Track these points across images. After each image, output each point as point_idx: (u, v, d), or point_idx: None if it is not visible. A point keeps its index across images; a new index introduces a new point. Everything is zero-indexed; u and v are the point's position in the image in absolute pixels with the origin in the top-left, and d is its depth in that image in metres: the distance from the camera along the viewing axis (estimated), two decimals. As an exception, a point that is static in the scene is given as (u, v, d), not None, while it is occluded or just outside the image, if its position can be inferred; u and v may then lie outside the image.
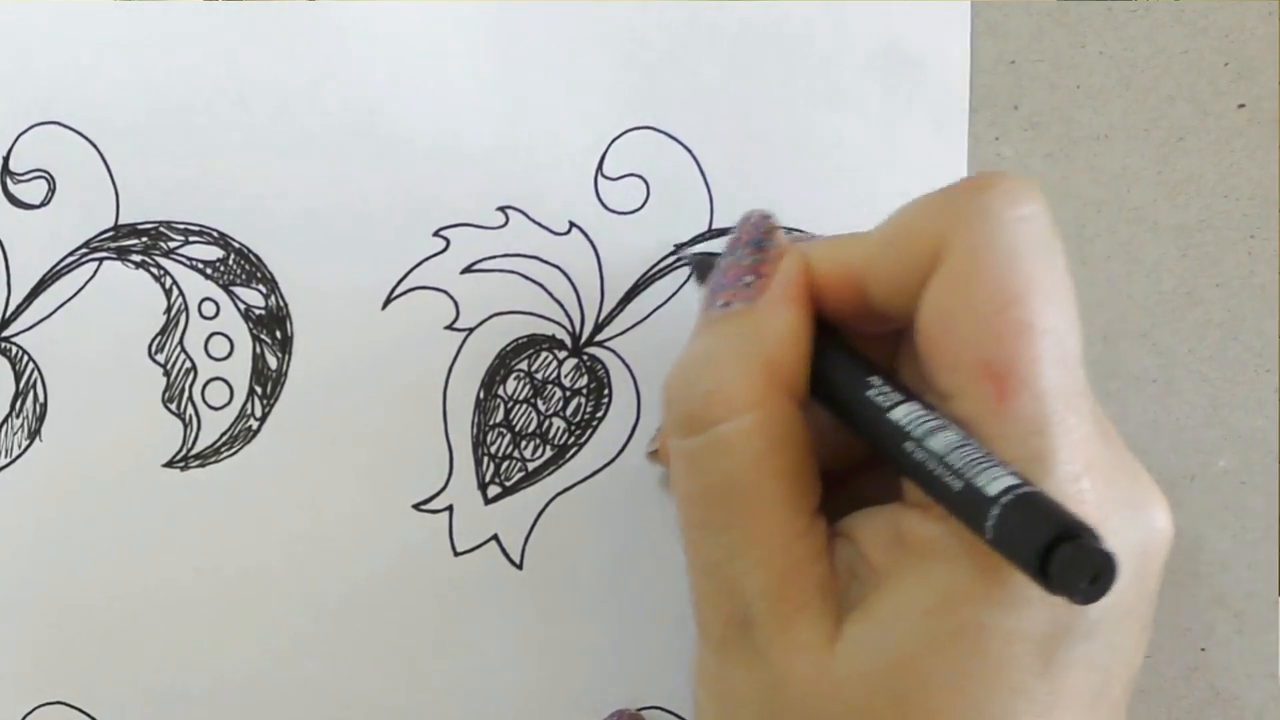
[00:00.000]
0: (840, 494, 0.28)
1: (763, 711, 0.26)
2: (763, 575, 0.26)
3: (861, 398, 0.27)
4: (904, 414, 0.26)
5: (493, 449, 0.35)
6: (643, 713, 0.36)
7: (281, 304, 0.35)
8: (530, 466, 0.35)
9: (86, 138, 0.35)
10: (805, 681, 0.26)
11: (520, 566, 0.35)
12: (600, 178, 0.35)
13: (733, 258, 0.29)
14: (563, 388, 0.35)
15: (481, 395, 0.35)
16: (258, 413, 0.35)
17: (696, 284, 0.34)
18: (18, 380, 0.35)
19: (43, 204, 0.35)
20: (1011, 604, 0.25)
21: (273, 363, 0.35)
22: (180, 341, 0.35)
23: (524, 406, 0.35)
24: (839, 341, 0.28)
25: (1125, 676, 0.27)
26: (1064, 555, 0.22)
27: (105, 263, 0.35)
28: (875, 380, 0.27)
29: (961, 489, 0.24)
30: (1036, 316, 0.25)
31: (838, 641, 0.26)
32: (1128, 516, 0.25)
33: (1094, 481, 0.25)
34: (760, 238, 0.29)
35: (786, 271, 0.28)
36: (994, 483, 0.23)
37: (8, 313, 0.35)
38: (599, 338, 0.35)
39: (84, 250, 0.35)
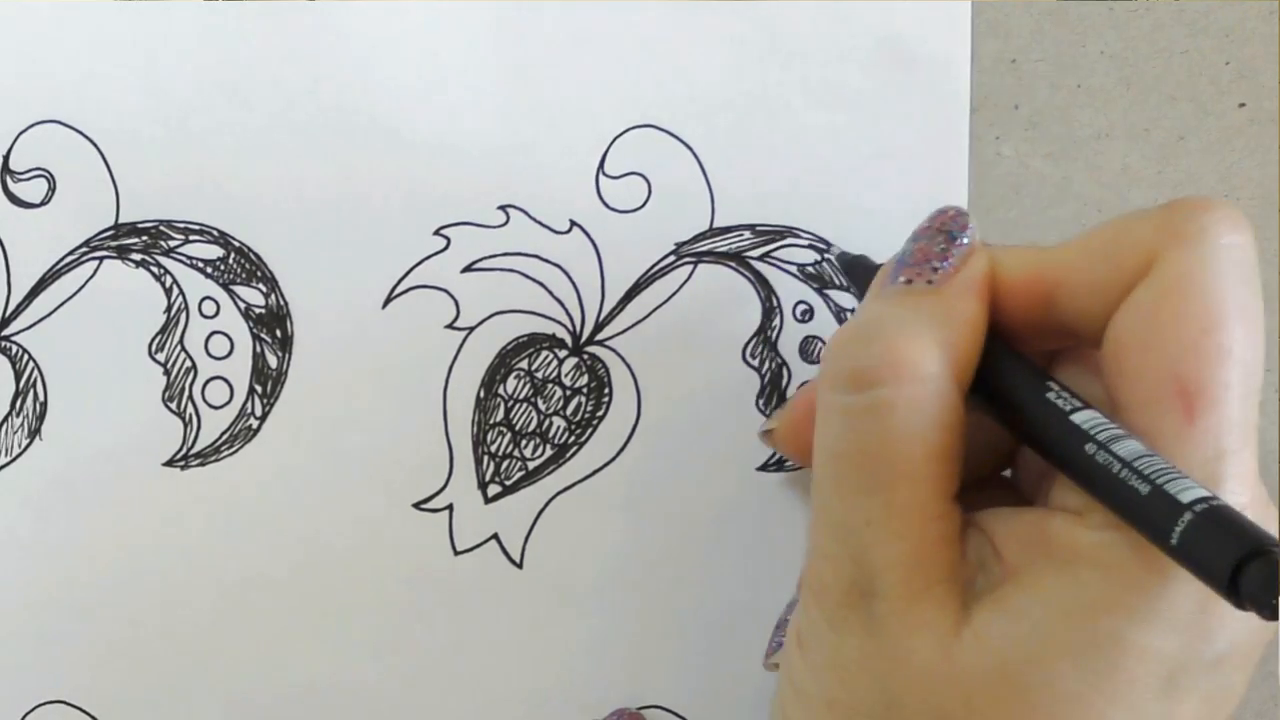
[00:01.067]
0: (964, 498, 0.28)
1: (876, 684, 0.27)
2: (898, 547, 0.26)
3: (1041, 399, 0.27)
4: (1087, 418, 0.26)
5: (493, 448, 0.35)
6: (643, 712, 0.35)
7: (282, 303, 0.35)
8: (530, 466, 0.35)
9: (87, 137, 0.35)
10: (927, 661, 0.26)
11: (520, 566, 0.35)
12: (601, 176, 0.35)
13: (923, 242, 0.29)
14: (563, 387, 0.35)
15: (482, 394, 0.35)
16: (258, 412, 0.35)
17: (849, 285, 0.35)
18: (18, 379, 0.35)
19: (43, 203, 0.35)
20: (1152, 622, 0.25)
21: (273, 362, 0.35)
22: (180, 340, 0.35)
23: (524, 405, 0.35)
24: (1009, 347, 0.28)
25: (1225, 717, 0.27)
26: (1257, 570, 0.22)
27: (105, 262, 0.35)
28: (1054, 384, 0.27)
29: (1149, 494, 0.24)
30: (1236, 344, 0.26)
31: (964, 627, 0.26)
32: None
33: (1253, 517, 0.25)
34: (955, 230, 0.29)
35: (975, 266, 0.28)
36: (1186, 492, 0.24)
37: (8, 312, 0.35)
38: (599, 337, 0.35)
39: (84, 249, 0.35)
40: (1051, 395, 0.27)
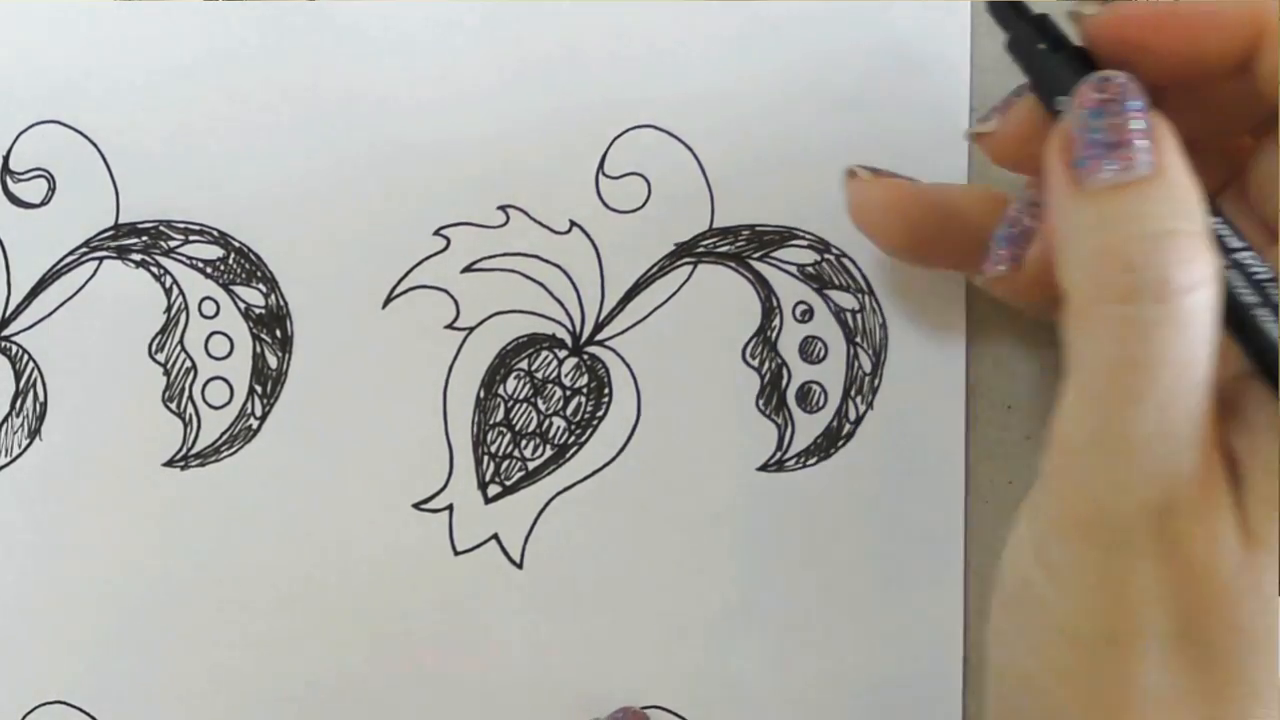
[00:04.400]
0: None
1: (1172, 607, 0.26)
2: (1194, 457, 0.26)
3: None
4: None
5: (493, 448, 0.35)
6: (645, 711, 0.35)
7: (281, 303, 0.35)
8: (530, 466, 0.35)
9: (87, 137, 0.35)
10: (1229, 575, 0.25)
11: (520, 566, 0.35)
12: (601, 176, 0.35)
13: (1110, 119, 0.27)
14: (563, 387, 0.35)
15: (481, 394, 0.35)
16: (258, 412, 0.35)
17: (1002, 25, 0.31)
18: (18, 380, 0.35)
19: (43, 203, 0.35)
20: None
21: (273, 362, 0.35)
22: (180, 340, 0.35)
23: (524, 406, 0.35)
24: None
25: None
26: None
27: (105, 262, 0.35)
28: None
29: None
30: None
31: (1248, 534, 0.26)
32: None
33: None
34: (1131, 98, 0.27)
35: (1170, 138, 0.27)
36: None
37: (8, 312, 0.35)
38: (599, 337, 0.35)
39: (84, 249, 0.35)
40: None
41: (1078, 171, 0.27)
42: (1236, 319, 0.27)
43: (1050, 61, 0.29)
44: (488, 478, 0.35)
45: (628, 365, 0.35)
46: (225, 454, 0.35)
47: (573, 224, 0.35)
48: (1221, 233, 0.27)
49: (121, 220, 0.35)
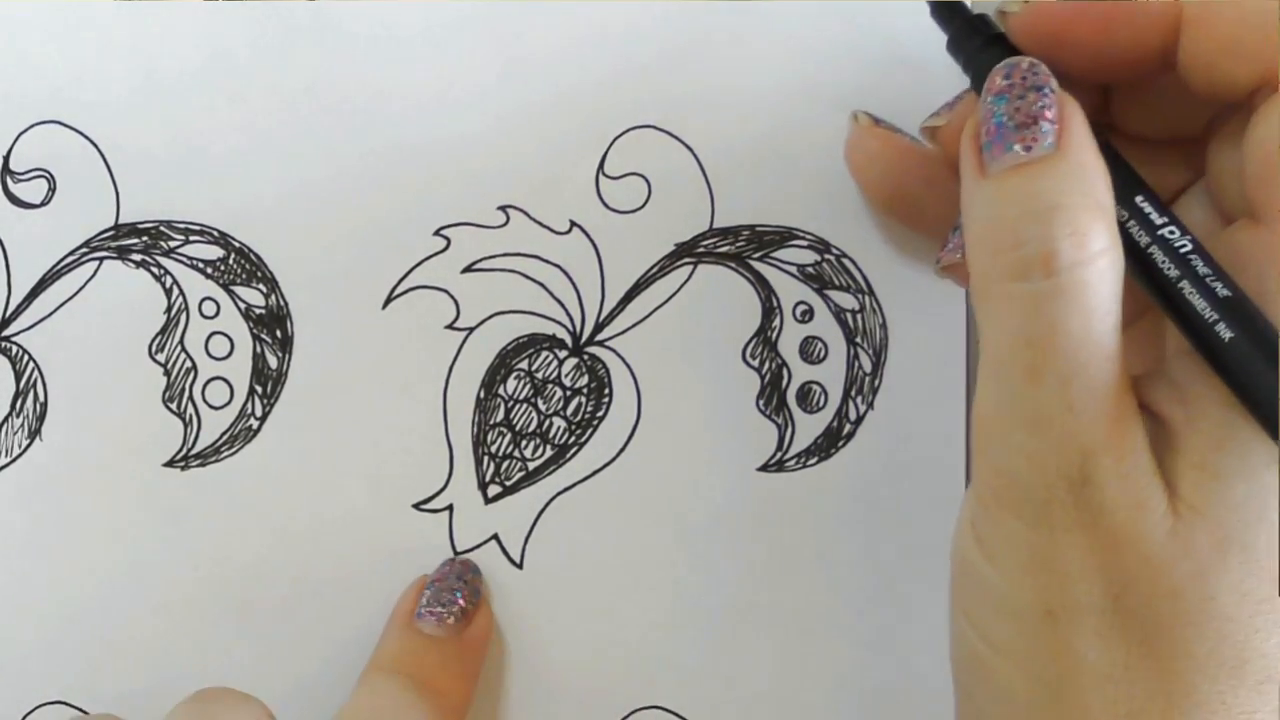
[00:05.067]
0: None
1: (1100, 577, 0.26)
2: (1107, 428, 0.25)
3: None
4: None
5: (493, 448, 0.35)
6: (643, 712, 0.35)
7: (282, 303, 0.35)
8: (530, 466, 0.35)
9: (87, 137, 0.35)
10: (1154, 542, 0.25)
11: (520, 566, 0.35)
12: (602, 176, 0.35)
13: (1016, 103, 0.27)
14: (563, 387, 0.35)
15: (482, 395, 0.35)
16: (258, 412, 0.35)
17: (942, 26, 0.32)
18: (18, 380, 0.35)
19: (43, 204, 0.35)
20: None
21: (273, 362, 0.35)
22: (181, 341, 0.35)
23: (524, 406, 0.35)
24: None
25: None
26: None
27: (105, 262, 0.35)
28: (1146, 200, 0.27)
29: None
30: None
31: (1176, 499, 0.26)
32: None
33: None
34: (1040, 82, 0.28)
35: (1076, 114, 0.27)
36: None
37: (8, 312, 0.35)
38: (600, 337, 0.35)
39: (84, 250, 0.35)
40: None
41: (984, 155, 0.27)
42: (1165, 294, 0.27)
43: (983, 57, 0.30)
44: (488, 478, 0.35)
45: (628, 365, 0.35)
46: (225, 454, 0.35)
47: (573, 224, 0.35)
48: (1145, 209, 0.27)
49: (121, 220, 0.35)
